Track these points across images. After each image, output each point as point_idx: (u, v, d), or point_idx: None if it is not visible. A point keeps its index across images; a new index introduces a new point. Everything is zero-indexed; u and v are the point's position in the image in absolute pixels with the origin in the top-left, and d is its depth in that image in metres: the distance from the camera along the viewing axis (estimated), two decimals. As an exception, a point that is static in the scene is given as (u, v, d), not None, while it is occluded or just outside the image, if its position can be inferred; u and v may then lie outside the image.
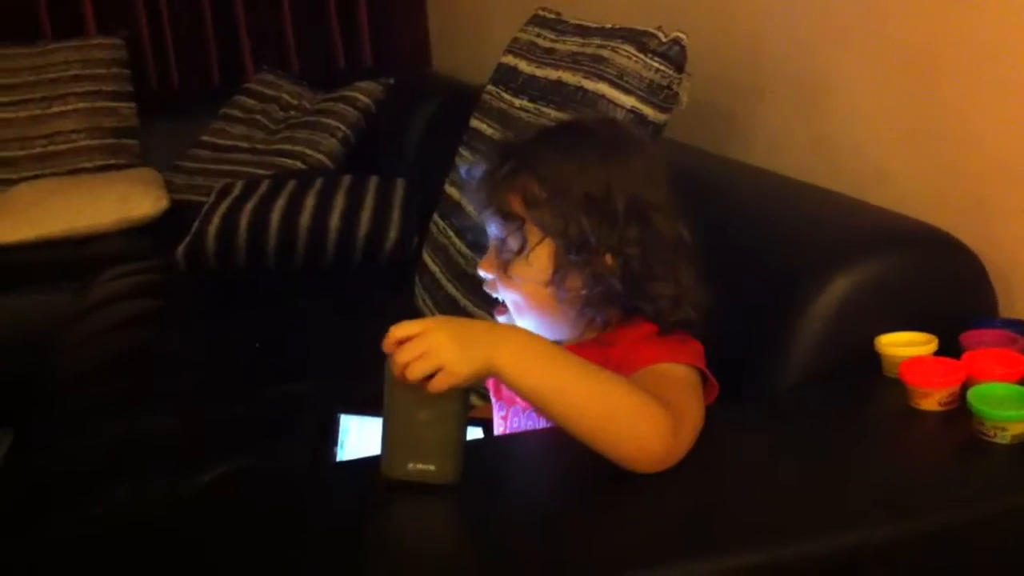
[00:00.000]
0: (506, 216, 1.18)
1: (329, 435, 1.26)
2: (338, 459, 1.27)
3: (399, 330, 0.97)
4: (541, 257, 1.17)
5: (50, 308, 2.56)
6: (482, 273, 1.24)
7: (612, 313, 1.18)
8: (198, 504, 1.15)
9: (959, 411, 1.09)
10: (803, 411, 1.18)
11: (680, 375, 1.10)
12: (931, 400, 1.11)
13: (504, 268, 1.20)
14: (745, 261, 1.32)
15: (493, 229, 1.22)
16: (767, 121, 1.87)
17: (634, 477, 0.99)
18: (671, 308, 1.15)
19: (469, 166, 1.25)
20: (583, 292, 1.16)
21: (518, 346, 0.99)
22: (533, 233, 1.17)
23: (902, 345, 1.19)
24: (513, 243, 1.18)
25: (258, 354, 1.94)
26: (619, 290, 1.15)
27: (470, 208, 1.27)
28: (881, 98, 1.58)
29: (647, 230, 1.15)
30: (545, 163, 1.17)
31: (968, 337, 1.20)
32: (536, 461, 1.13)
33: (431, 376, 0.95)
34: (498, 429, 1.27)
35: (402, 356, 0.96)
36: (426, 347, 0.95)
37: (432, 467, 0.99)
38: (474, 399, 1.48)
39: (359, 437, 1.27)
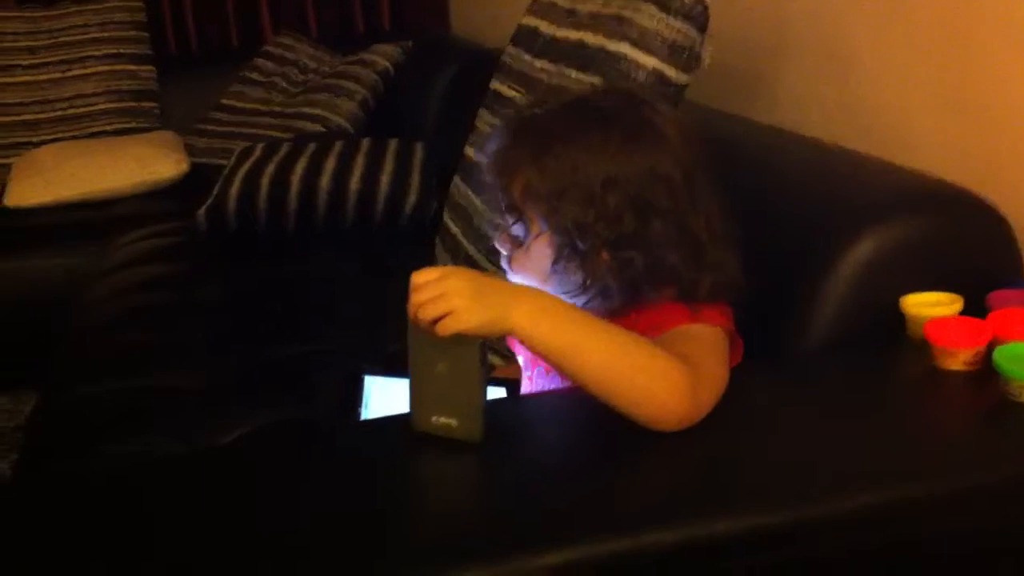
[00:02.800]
0: (508, 205, 1.18)
1: (353, 395, 1.27)
2: (361, 419, 1.27)
3: (420, 275, 0.98)
4: (541, 248, 1.16)
5: (71, 270, 2.57)
6: (499, 246, 1.23)
7: (615, 304, 1.15)
8: (215, 459, 1.16)
9: (985, 371, 1.09)
10: (828, 371, 1.18)
11: (704, 335, 1.09)
12: (956, 360, 1.10)
13: (510, 255, 1.20)
14: (771, 222, 1.32)
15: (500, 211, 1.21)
16: (792, 83, 1.85)
17: (655, 435, 0.99)
18: (690, 292, 1.13)
19: (489, 141, 1.23)
20: (581, 287, 1.14)
21: (535, 305, 0.99)
22: (534, 222, 1.16)
23: (928, 305, 1.18)
24: (517, 230, 1.18)
25: (279, 315, 1.95)
26: (615, 290, 1.13)
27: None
28: (909, 59, 1.57)
29: (647, 230, 1.12)
30: (548, 153, 1.13)
31: (994, 297, 1.20)
32: (557, 420, 1.13)
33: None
34: (525, 389, 1.27)
35: (418, 296, 0.96)
36: (442, 290, 0.96)
37: (454, 422, 1.00)
38: (496, 359, 1.48)
39: (382, 398, 1.28)
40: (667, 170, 1.14)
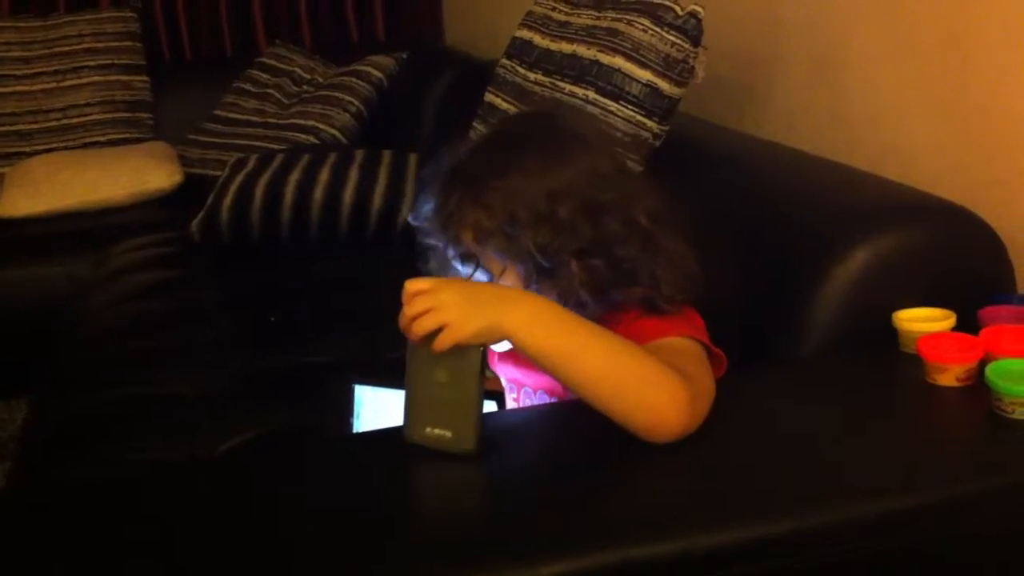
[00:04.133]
0: (464, 255, 1.16)
1: (344, 406, 1.27)
2: (353, 430, 1.27)
3: (413, 283, 0.98)
4: (511, 281, 1.14)
5: (65, 280, 2.56)
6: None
7: (596, 312, 1.14)
8: (215, 467, 1.16)
9: (977, 387, 1.09)
10: (817, 383, 1.18)
11: (686, 347, 1.09)
12: (949, 375, 1.11)
13: None
14: (764, 234, 1.32)
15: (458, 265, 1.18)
16: (784, 95, 1.86)
17: (649, 445, 0.98)
18: (652, 293, 1.13)
19: (417, 205, 1.20)
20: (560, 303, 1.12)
21: (530, 310, 0.99)
22: (494, 263, 1.14)
23: (920, 320, 1.18)
24: (481, 275, 1.16)
25: (272, 326, 1.95)
26: (588, 299, 1.12)
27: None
28: (901, 71, 1.57)
29: (603, 229, 1.12)
30: (486, 191, 1.12)
31: (987, 313, 1.20)
32: (550, 430, 1.13)
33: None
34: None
35: (410, 309, 0.96)
36: (434, 303, 0.96)
37: (449, 434, 1.00)
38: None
39: (374, 408, 1.28)
40: (602, 167, 1.15)
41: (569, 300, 1.12)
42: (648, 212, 1.15)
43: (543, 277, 1.12)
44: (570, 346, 0.98)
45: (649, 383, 0.97)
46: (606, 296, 1.12)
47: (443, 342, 0.95)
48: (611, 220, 1.12)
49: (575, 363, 0.98)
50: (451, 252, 1.17)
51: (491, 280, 1.15)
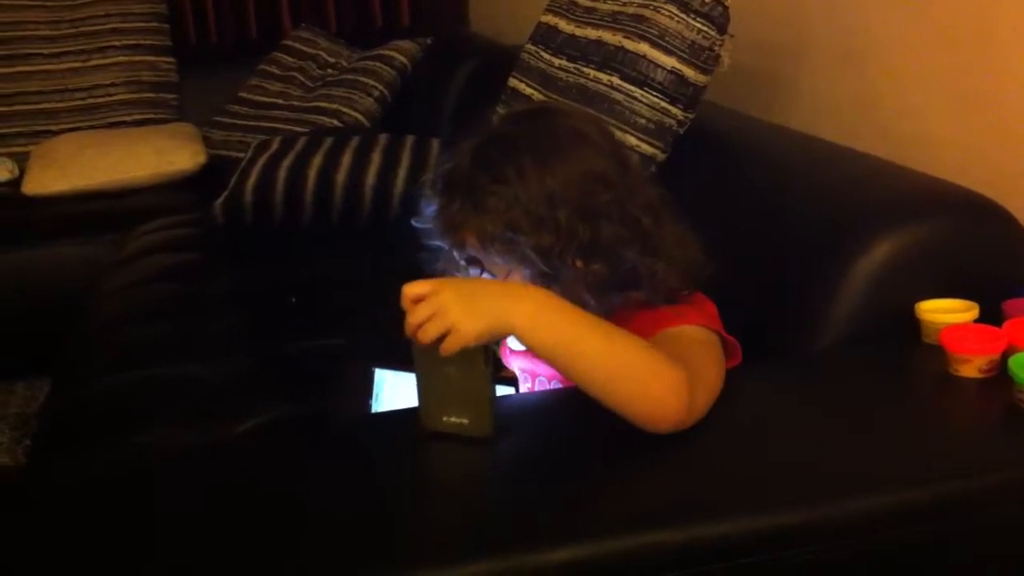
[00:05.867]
0: (469, 259, 1.16)
1: (364, 388, 1.27)
2: (373, 412, 1.28)
3: (411, 288, 0.98)
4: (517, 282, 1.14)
5: (87, 260, 2.58)
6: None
7: (603, 311, 1.13)
8: (235, 449, 1.16)
9: (999, 379, 1.08)
10: (840, 373, 1.18)
11: (695, 337, 1.09)
12: (971, 367, 1.10)
13: None
14: (787, 223, 1.32)
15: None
16: (810, 84, 1.85)
17: (665, 437, 0.98)
18: (655, 286, 1.12)
19: (420, 208, 1.19)
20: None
21: (533, 303, 0.99)
22: (498, 267, 1.14)
23: (943, 312, 1.18)
24: (487, 278, 1.15)
25: (294, 308, 1.95)
26: (594, 300, 1.12)
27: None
28: (929, 60, 1.56)
29: (600, 231, 1.11)
30: (487, 195, 1.11)
31: (1010, 305, 1.19)
32: (567, 416, 1.12)
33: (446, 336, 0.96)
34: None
35: (413, 318, 0.97)
36: (435, 308, 0.96)
37: (465, 420, 1.00)
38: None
39: (393, 391, 1.28)
40: (601, 167, 1.14)
41: (574, 301, 1.11)
42: (646, 207, 1.14)
43: (547, 279, 1.11)
44: (571, 337, 0.99)
45: (648, 374, 0.98)
46: (608, 297, 1.12)
47: (449, 347, 0.96)
48: (609, 223, 1.12)
49: (575, 355, 0.99)
50: (456, 255, 1.17)
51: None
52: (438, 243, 1.18)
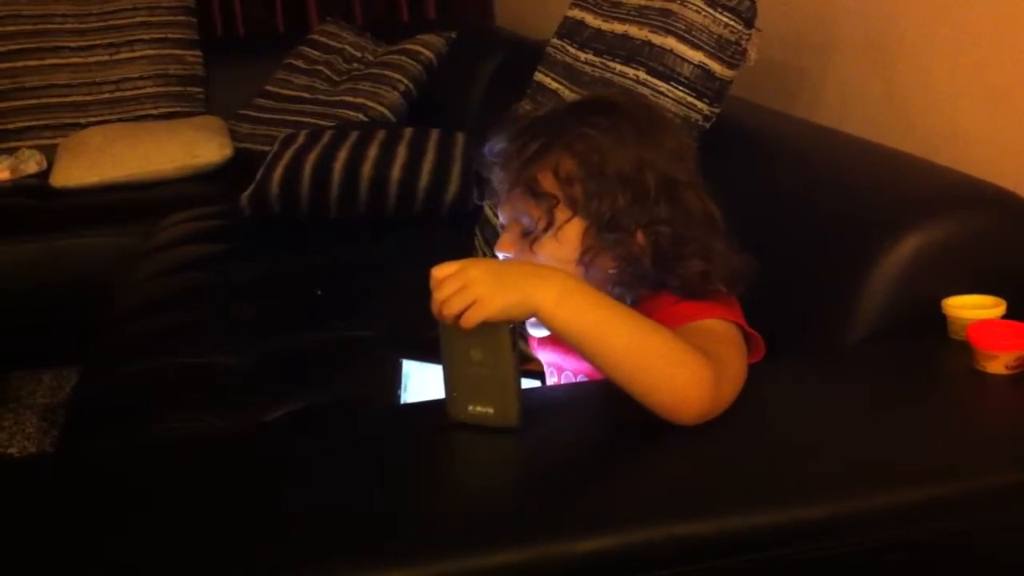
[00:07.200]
0: (537, 194, 1.15)
1: (392, 379, 1.28)
2: (401, 403, 1.29)
3: (439, 270, 0.98)
4: (570, 235, 1.14)
5: (115, 251, 2.60)
6: (501, 255, 1.20)
7: (640, 291, 1.15)
8: (263, 435, 1.17)
9: (1026, 375, 1.08)
10: (866, 369, 1.18)
11: (718, 330, 1.09)
12: (998, 363, 1.10)
13: (529, 246, 1.16)
14: (815, 218, 1.31)
15: (513, 208, 1.18)
16: (837, 79, 1.84)
17: (690, 429, 0.98)
18: (700, 282, 1.13)
19: (491, 143, 1.20)
20: (612, 271, 1.14)
21: (560, 286, 0.99)
22: (562, 211, 1.14)
23: (970, 308, 1.17)
24: (541, 221, 1.14)
25: (318, 300, 1.97)
26: (649, 269, 1.12)
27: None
28: (959, 55, 1.55)
29: (678, 207, 1.13)
30: (580, 139, 1.13)
31: (1038, 301, 1.19)
32: (592, 407, 1.13)
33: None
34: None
35: (440, 293, 0.97)
36: (462, 282, 0.96)
37: (491, 410, 1.01)
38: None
39: (421, 383, 1.29)
40: (683, 151, 1.17)
41: (626, 269, 1.13)
42: (718, 209, 1.17)
43: (607, 237, 1.12)
44: (596, 322, 0.98)
45: (673, 363, 0.97)
46: (658, 272, 1.13)
47: (471, 318, 0.96)
48: (688, 199, 1.14)
49: (600, 340, 0.98)
50: (501, 216, 1.17)
51: (551, 227, 1.14)
52: (495, 177, 1.18)
